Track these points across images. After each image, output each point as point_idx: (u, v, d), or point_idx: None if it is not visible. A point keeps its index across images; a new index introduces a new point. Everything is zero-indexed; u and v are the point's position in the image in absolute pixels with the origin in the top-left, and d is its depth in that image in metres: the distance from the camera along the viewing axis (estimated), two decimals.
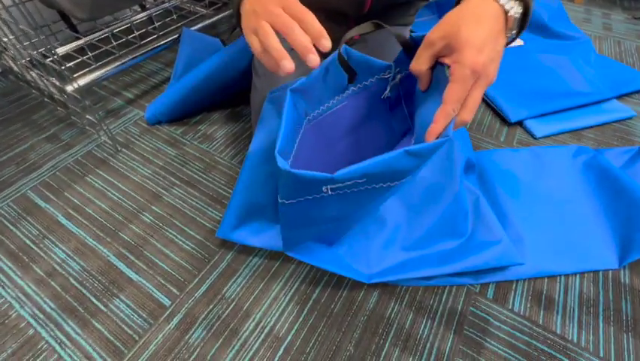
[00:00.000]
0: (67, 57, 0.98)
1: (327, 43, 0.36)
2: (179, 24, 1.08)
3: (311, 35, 0.36)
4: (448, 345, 0.55)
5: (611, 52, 1.24)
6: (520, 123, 0.93)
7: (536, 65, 1.09)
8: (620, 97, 1.03)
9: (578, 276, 0.64)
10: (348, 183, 0.41)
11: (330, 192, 0.42)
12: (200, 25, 1.10)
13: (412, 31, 0.48)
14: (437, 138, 0.41)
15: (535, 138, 0.90)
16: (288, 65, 0.36)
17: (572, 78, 1.03)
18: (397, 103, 0.55)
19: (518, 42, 1.18)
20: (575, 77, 1.04)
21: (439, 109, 0.39)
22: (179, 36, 1.03)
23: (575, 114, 0.95)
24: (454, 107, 0.38)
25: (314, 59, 0.36)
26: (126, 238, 0.68)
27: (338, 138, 0.60)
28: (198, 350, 0.54)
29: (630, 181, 0.72)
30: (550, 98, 0.97)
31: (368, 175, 0.41)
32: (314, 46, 0.36)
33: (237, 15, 0.45)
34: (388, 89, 0.51)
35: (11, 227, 0.69)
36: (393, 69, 0.51)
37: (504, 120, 0.95)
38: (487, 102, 1.00)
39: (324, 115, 0.52)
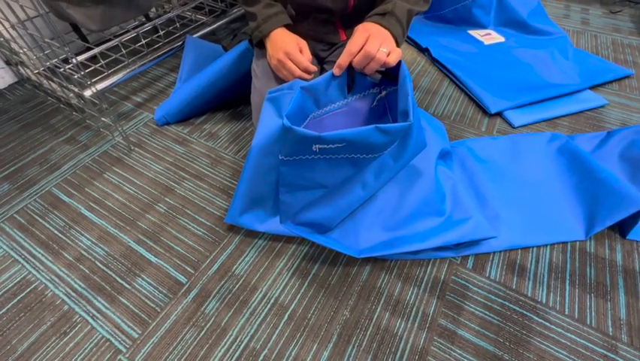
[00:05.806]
0: (81, 66, 1.06)
1: (311, 73, 0.66)
2: (181, 32, 1.16)
3: (302, 69, 0.65)
4: (432, 308, 0.63)
5: (587, 45, 1.32)
6: (499, 114, 1.01)
7: (515, 60, 1.17)
8: (593, 87, 1.10)
9: (548, 247, 0.72)
10: (332, 146, 0.51)
11: (319, 154, 0.52)
12: (201, 33, 1.18)
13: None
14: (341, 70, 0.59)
15: (513, 127, 0.97)
16: (306, 76, 0.66)
17: (548, 71, 1.11)
18: (384, 112, 0.66)
19: (499, 39, 1.26)
20: (552, 70, 1.12)
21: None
22: (183, 43, 1.11)
23: (551, 104, 1.03)
24: (353, 51, 0.58)
25: (306, 78, 0.66)
26: (144, 226, 0.76)
27: None
28: (213, 318, 0.62)
29: (596, 163, 0.80)
30: (527, 90, 1.05)
31: (347, 141, 0.50)
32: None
33: (252, 37, 0.73)
34: (375, 101, 0.64)
35: (40, 220, 0.77)
36: (379, 86, 0.65)
37: (485, 112, 1.02)
38: (469, 95, 1.08)
39: (327, 115, 0.64)
